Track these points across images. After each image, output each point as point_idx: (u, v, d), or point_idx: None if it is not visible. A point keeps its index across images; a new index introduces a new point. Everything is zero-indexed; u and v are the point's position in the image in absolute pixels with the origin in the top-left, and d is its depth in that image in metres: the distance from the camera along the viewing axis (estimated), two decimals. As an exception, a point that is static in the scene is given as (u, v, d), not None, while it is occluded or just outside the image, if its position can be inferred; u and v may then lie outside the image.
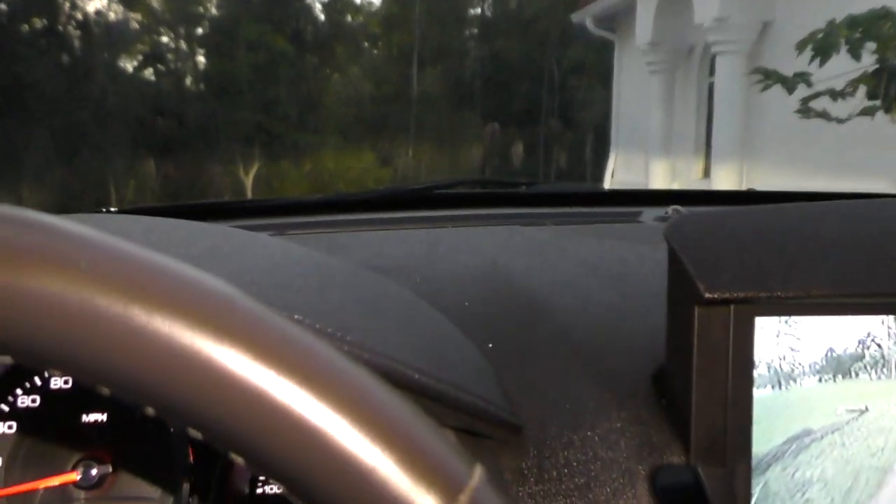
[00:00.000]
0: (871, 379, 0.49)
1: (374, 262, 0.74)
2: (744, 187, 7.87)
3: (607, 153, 26.84)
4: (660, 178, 9.57)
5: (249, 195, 20.30)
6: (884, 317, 0.48)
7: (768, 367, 0.48)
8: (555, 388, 0.56)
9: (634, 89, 11.03)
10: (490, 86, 26.86)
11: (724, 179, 7.90)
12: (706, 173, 9.30)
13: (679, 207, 1.04)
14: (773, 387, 0.48)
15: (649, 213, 1.10)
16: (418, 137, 24.36)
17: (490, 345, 0.58)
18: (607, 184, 11.34)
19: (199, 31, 21.57)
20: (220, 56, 21.13)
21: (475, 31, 27.95)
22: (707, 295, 0.46)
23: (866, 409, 0.49)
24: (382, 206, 1.18)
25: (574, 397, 0.55)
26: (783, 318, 0.48)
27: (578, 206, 1.23)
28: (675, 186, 9.74)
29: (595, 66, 25.99)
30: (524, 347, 0.60)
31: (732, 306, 0.47)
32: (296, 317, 0.43)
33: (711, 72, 9.09)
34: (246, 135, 20.14)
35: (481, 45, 27.25)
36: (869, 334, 0.48)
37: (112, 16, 19.51)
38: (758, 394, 0.48)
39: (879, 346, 0.48)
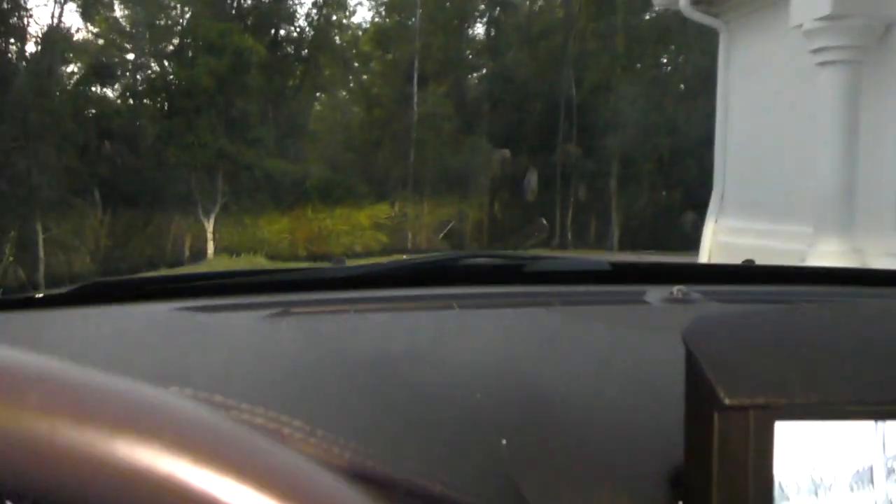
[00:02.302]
0: None
1: (384, 348, 0.76)
2: None
3: (645, 184, 23.63)
4: (833, 236, 5.92)
5: (210, 239, 16.70)
6: None
7: (794, 475, 0.48)
8: (570, 493, 0.55)
9: (760, 94, 7.37)
10: (499, 107, 23.55)
11: None
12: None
13: (683, 288, 1.03)
14: (799, 495, 0.48)
15: (654, 293, 1.06)
16: (417, 167, 20.88)
17: (504, 441, 0.57)
18: (707, 242, 7.81)
19: (144, 29, 17.51)
20: (171, 60, 17.36)
21: (481, 44, 24.58)
22: (727, 401, 0.46)
23: None
24: (383, 283, 1.18)
25: (590, 503, 0.55)
26: (808, 425, 0.48)
27: (582, 283, 1.24)
28: (870, 254, 6.09)
29: (622, 80, 22.75)
30: (538, 447, 0.59)
31: (752, 411, 0.47)
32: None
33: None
34: (204, 163, 16.21)
35: (489, 61, 23.88)
36: None
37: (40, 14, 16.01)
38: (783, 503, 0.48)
39: None
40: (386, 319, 0.94)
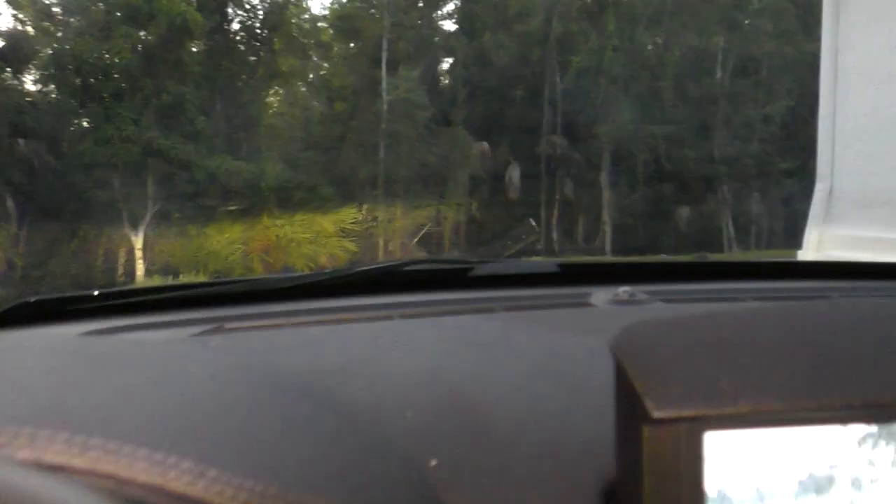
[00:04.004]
0: (844, 498, 0.47)
1: (315, 365, 0.76)
2: None
3: (639, 178, 21.54)
4: None
5: (140, 257, 14.16)
6: (849, 428, 0.46)
7: (736, 486, 0.46)
8: None
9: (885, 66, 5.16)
10: (477, 94, 21.21)
11: None
12: None
13: (628, 289, 1.04)
14: None
15: (600, 295, 1.07)
16: (388, 164, 18.53)
17: (434, 462, 0.57)
18: (810, 255, 5.49)
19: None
20: (81, 29, 14.32)
21: (456, 24, 22.23)
22: (655, 414, 0.45)
23: None
24: (323, 293, 1.17)
25: None
26: (745, 434, 0.46)
27: (528, 286, 1.23)
28: None
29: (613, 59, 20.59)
30: (468, 464, 0.59)
31: (681, 424, 0.46)
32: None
33: None
34: (127, 161, 13.31)
35: (465, 42, 21.53)
36: (835, 448, 0.47)
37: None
38: None
39: (847, 460, 0.47)
40: (321, 333, 0.93)
